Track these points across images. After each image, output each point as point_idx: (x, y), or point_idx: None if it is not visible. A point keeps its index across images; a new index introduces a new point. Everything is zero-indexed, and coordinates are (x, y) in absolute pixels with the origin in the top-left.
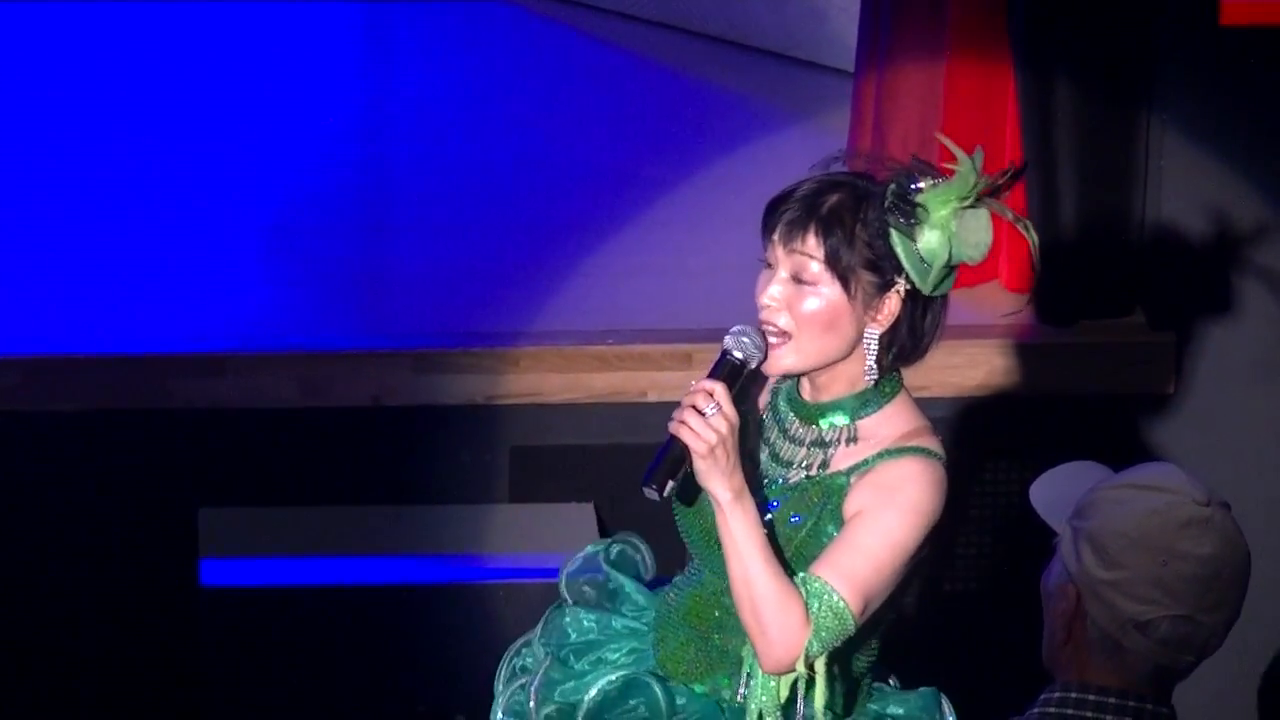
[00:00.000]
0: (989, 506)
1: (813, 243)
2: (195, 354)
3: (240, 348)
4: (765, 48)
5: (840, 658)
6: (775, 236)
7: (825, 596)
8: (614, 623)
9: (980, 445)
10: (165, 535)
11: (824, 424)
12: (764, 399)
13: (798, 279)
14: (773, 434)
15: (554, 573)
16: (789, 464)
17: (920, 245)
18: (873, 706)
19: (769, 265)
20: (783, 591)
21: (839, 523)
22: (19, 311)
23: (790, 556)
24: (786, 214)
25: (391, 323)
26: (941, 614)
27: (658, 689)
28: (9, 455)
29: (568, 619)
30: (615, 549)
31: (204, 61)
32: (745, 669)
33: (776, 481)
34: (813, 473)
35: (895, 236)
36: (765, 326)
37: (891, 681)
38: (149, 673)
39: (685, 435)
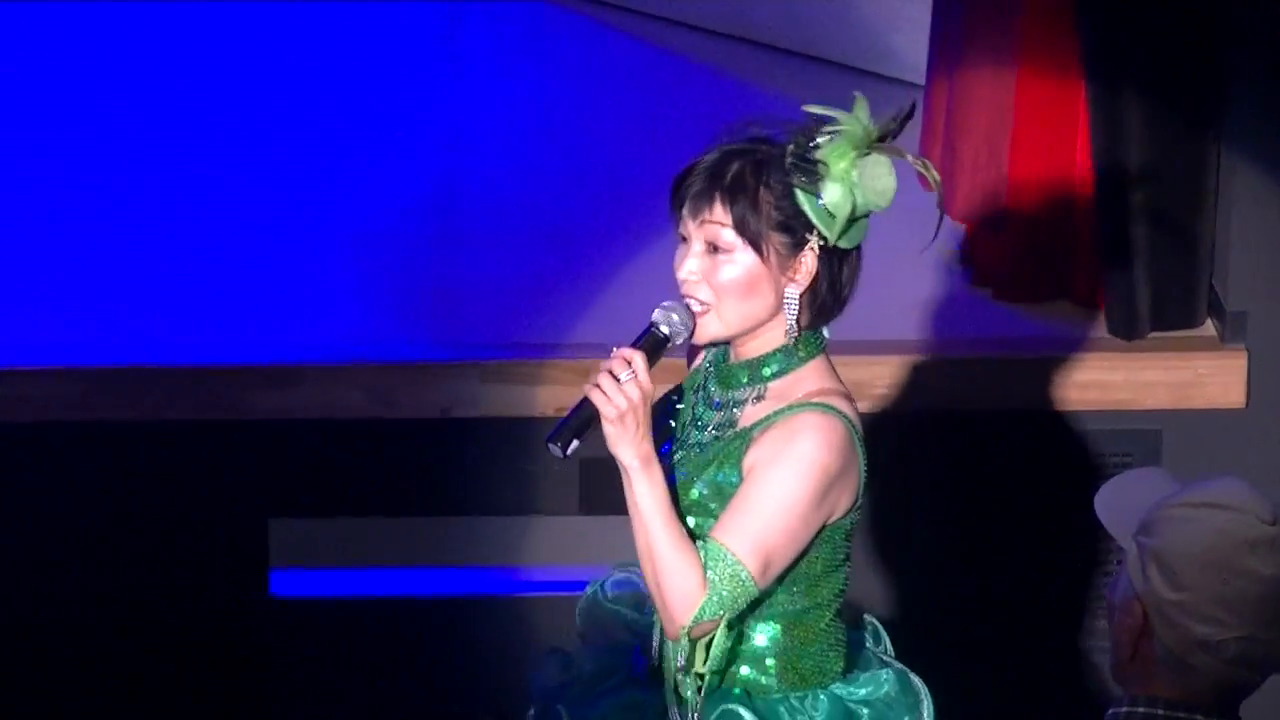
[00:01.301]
0: (1061, 519)
1: (720, 211)
2: (266, 365)
3: (310, 359)
4: (836, 59)
5: (782, 627)
6: (685, 210)
7: (721, 560)
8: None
9: (1050, 458)
10: (236, 546)
11: (740, 385)
12: (697, 364)
13: (713, 249)
14: (695, 402)
15: (623, 584)
16: (703, 428)
17: (825, 200)
18: (838, 689)
19: (683, 240)
20: (683, 558)
21: (738, 473)
22: (91, 321)
23: (696, 520)
24: (692, 187)
25: (461, 334)
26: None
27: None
28: (80, 466)
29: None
30: (611, 581)
31: (282, 72)
32: (655, 638)
33: (691, 447)
34: (721, 434)
35: (800, 195)
36: (688, 300)
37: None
38: (219, 683)
39: (597, 399)
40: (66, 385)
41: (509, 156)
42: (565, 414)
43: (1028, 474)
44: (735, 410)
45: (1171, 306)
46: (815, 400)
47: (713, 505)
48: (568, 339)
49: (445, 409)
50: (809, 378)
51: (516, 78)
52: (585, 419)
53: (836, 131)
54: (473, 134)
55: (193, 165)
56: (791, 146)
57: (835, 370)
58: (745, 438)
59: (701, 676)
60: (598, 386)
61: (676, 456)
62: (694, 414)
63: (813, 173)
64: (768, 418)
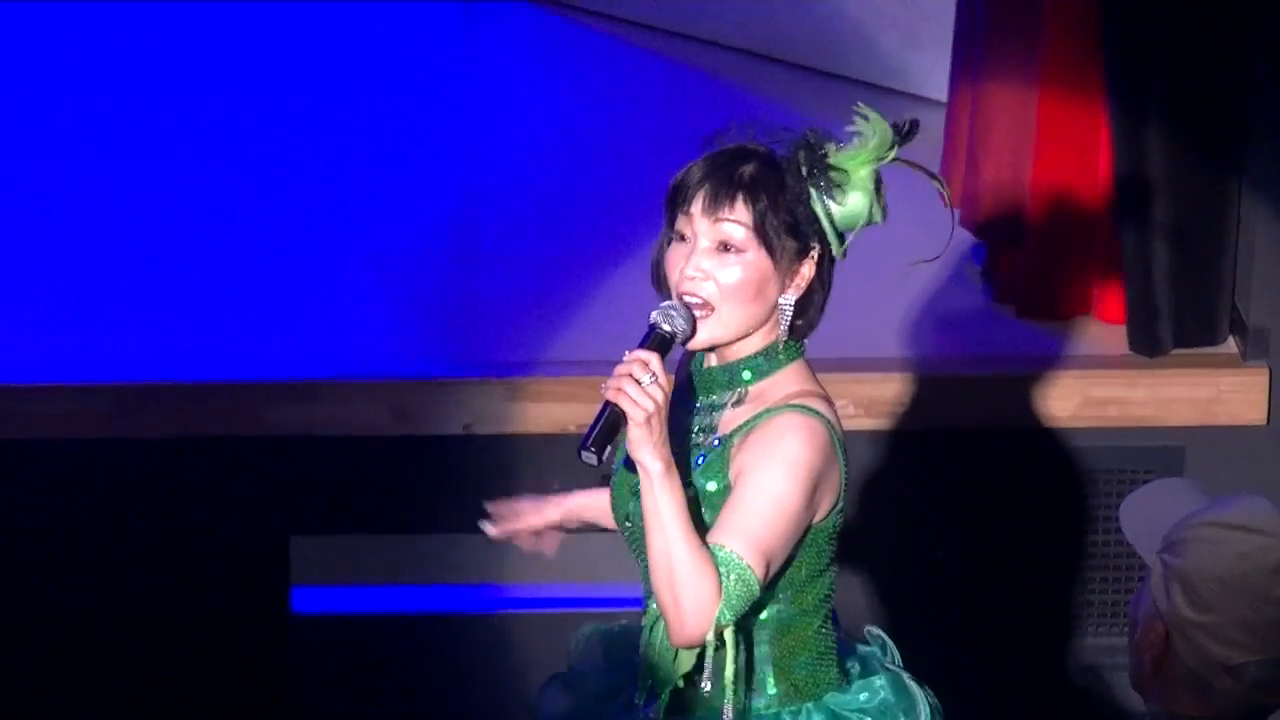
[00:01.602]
0: (1084, 537)
1: (741, 209)
2: (288, 381)
3: (332, 375)
4: (857, 77)
5: (778, 634)
6: (695, 209)
7: (733, 564)
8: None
9: (1072, 475)
10: (257, 563)
11: (719, 389)
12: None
13: (724, 247)
14: (676, 408)
15: (641, 602)
16: (683, 434)
17: (845, 208)
18: (832, 699)
19: (681, 239)
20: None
21: (723, 479)
22: (110, 338)
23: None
24: (707, 184)
25: (484, 350)
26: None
27: None
28: (98, 483)
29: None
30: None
31: (305, 81)
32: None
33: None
34: (702, 440)
35: (817, 200)
36: (687, 298)
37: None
38: (239, 700)
39: (624, 403)
40: (87, 402)
41: (532, 173)
42: (590, 423)
43: (1049, 491)
44: (715, 414)
45: (1193, 323)
46: (795, 402)
47: (703, 512)
48: (592, 355)
49: (468, 425)
50: (788, 381)
51: (539, 94)
52: (613, 424)
53: (856, 138)
54: (495, 150)
55: (214, 179)
56: (803, 152)
57: (814, 374)
58: (727, 444)
59: (735, 688)
60: (622, 390)
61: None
62: (673, 422)
63: (832, 180)
64: (748, 422)
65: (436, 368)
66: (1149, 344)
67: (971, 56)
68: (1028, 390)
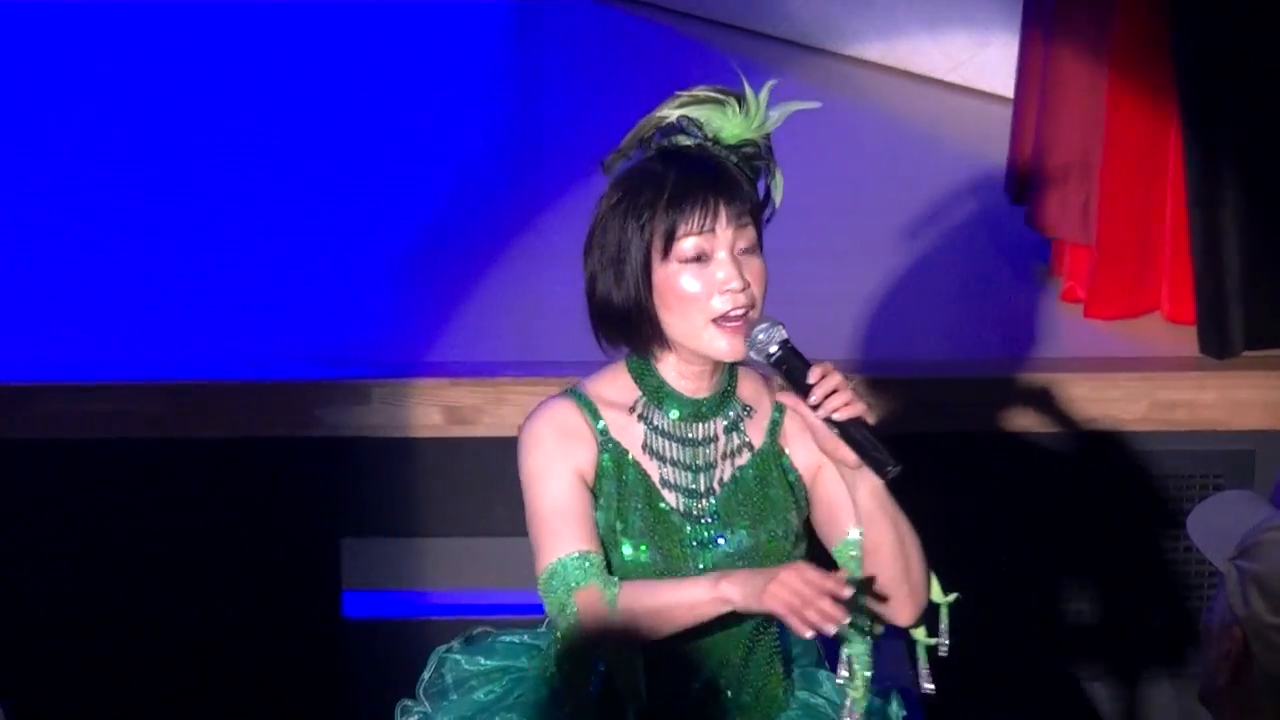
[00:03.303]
0: (1151, 541)
1: (746, 210)
2: (341, 380)
3: (386, 375)
4: (924, 73)
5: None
6: (716, 223)
7: None
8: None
9: (1140, 480)
10: (308, 566)
11: (718, 411)
12: (627, 433)
13: (747, 249)
14: (669, 453)
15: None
16: (708, 468)
17: (776, 178)
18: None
19: (697, 260)
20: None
21: (794, 488)
22: (161, 337)
23: (759, 550)
24: (721, 198)
25: (540, 349)
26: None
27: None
28: (149, 484)
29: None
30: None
31: (369, 82)
32: (847, 652)
33: (708, 494)
34: (741, 460)
35: (764, 176)
36: (734, 313)
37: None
38: (290, 706)
39: (859, 409)
40: (140, 401)
41: (592, 167)
42: (860, 440)
43: (1115, 495)
44: (735, 435)
45: (1264, 324)
46: (780, 391)
47: (780, 536)
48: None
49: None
50: (748, 373)
51: (588, 89)
52: (869, 432)
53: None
54: (550, 147)
55: (272, 177)
56: (754, 139)
57: None
58: (774, 452)
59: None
60: (854, 401)
61: (701, 508)
62: (680, 469)
63: (770, 150)
64: (774, 421)
65: (491, 367)
66: (1220, 345)
67: (1041, 53)
68: (1094, 392)
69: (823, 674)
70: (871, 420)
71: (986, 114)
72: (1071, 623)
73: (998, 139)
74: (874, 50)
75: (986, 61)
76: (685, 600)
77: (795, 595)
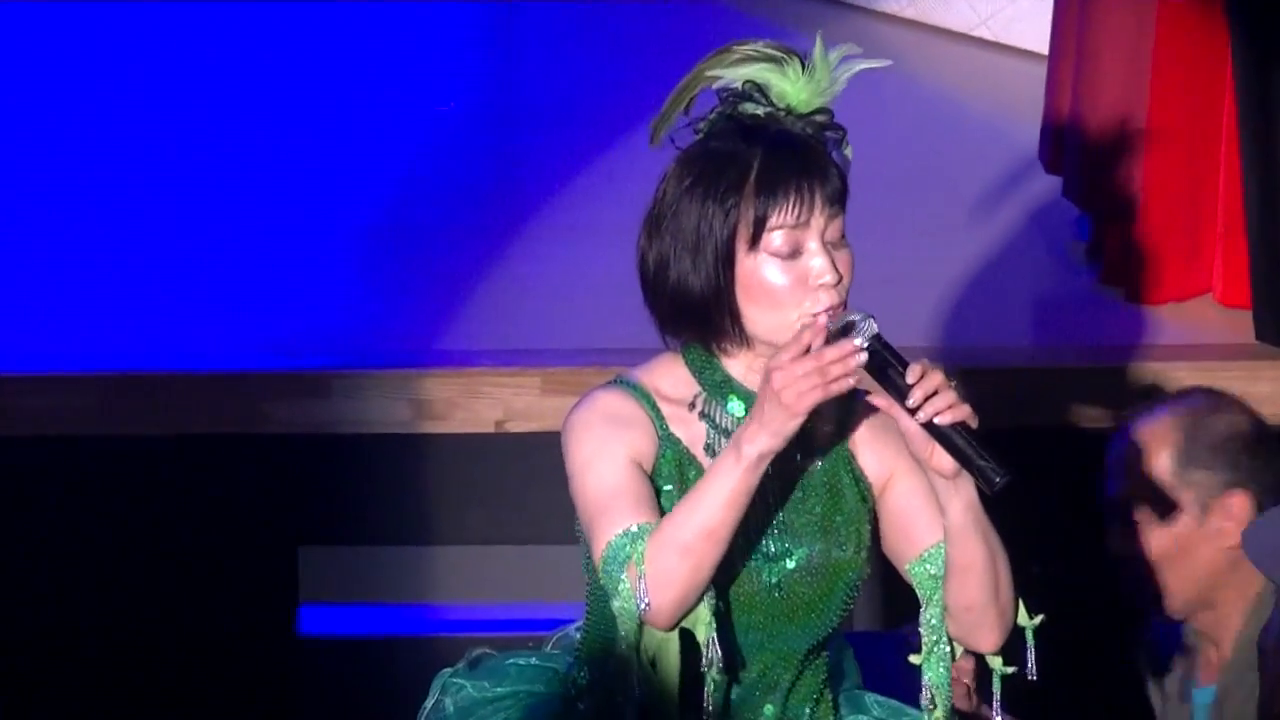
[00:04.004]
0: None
1: (839, 196)
2: (295, 371)
3: (346, 365)
4: (950, 28)
5: None
6: (813, 216)
7: None
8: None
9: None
10: (260, 577)
11: None
12: (688, 431)
13: (838, 240)
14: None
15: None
16: (775, 474)
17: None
18: None
19: (792, 255)
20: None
21: (860, 485)
22: (96, 325)
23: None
24: (815, 184)
25: (517, 338)
26: None
27: None
28: (83, 487)
29: None
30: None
31: (312, 65)
32: (929, 678)
33: (776, 504)
34: (810, 465)
35: (847, 154)
36: (831, 307)
37: None
38: None
39: (964, 412)
40: (73, 395)
41: (571, 143)
42: (964, 448)
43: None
44: (802, 437)
45: None
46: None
47: (852, 549)
48: (639, 344)
49: (500, 422)
50: None
51: (571, 60)
52: (973, 438)
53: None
54: (530, 116)
55: (215, 152)
56: (822, 108)
57: None
58: (844, 457)
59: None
60: (956, 405)
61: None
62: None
63: (843, 130)
64: (843, 424)
65: (463, 356)
66: (1277, 331)
67: (1078, 6)
68: (1137, 383)
69: (869, 697)
70: (975, 424)
71: (1018, 73)
72: (1106, 623)
73: (1031, 101)
74: (895, 3)
75: (1018, 14)
76: (717, 492)
77: (807, 375)
